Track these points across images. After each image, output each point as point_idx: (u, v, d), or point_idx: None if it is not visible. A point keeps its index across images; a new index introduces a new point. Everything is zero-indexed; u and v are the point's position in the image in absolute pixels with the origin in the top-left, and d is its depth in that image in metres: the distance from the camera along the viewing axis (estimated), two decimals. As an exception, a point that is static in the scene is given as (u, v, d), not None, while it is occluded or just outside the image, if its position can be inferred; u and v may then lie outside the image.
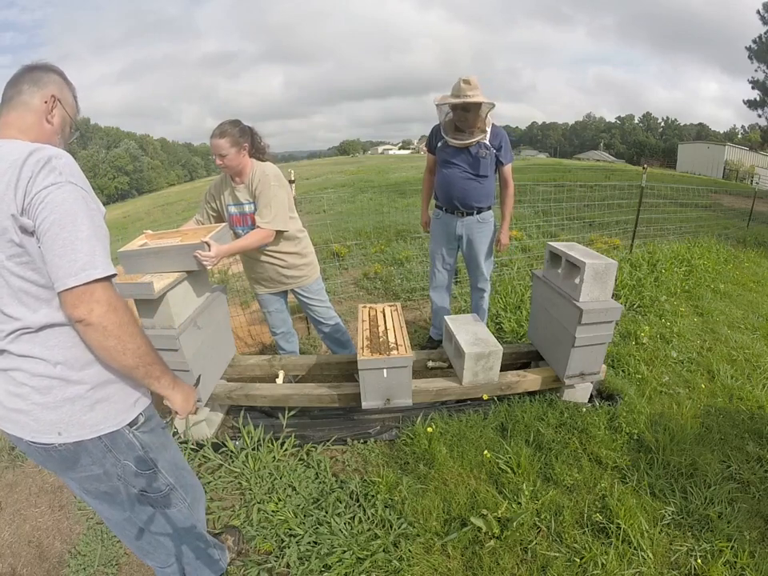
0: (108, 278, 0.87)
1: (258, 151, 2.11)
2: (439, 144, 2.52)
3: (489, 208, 2.61)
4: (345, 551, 1.53)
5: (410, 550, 1.54)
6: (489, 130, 2.41)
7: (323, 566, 1.50)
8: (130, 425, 1.03)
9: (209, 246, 1.81)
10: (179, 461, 1.23)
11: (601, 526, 1.62)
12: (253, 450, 2.03)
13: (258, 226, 2.06)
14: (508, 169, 2.56)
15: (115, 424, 1.00)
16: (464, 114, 2.31)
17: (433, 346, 3.01)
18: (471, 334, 2.26)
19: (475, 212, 2.56)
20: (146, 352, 0.94)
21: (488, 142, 2.42)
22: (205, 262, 1.81)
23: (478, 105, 2.27)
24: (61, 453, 0.96)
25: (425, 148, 2.81)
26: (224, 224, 2.05)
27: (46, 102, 0.96)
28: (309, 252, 2.39)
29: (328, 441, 2.11)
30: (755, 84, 21.06)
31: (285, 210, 2.13)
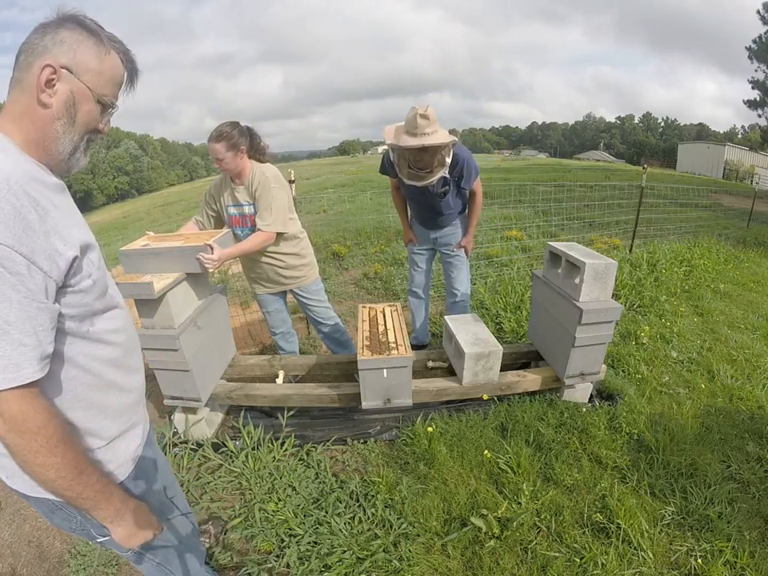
0: (24, 386, 0.64)
1: (257, 152, 2.11)
2: (399, 176, 2.24)
3: (462, 213, 2.55)
4: (345, 551, 1.53)
5: (410, 550, 1.54)
6: (449, 160, 2.10)
7: (323, 566, 1.50)
8: None
9: (212, 248, 1.82)
10: None
11: (601, 526, 1.62)
12: (253, 449, 2.03)
13: (259, 229, 2.06)
14: (475, 185, 2.37)
15: None
16: (421, 155, 2.00)
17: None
18: (471, 334, 2.26)
19: (447, 226, 2.54)
20: (68, 486, 0.71)
21: (447, 175, 2.16)
22: (207, 265, 1.82)
23: (438, 147, 1.97)
24: (13, 489, 0.86)
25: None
26: (227, 230, 2.07)
27: (39, 76, 0.69)
28: (308, 253, 2.39)
29: (328, 441, 2.11)
30: (755, 84, 21.08)
31: (285, 212, 2.13)
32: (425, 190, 2.24)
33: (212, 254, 1.82)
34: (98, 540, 0.92)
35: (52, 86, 0.70)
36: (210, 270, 1.88)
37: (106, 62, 0.75)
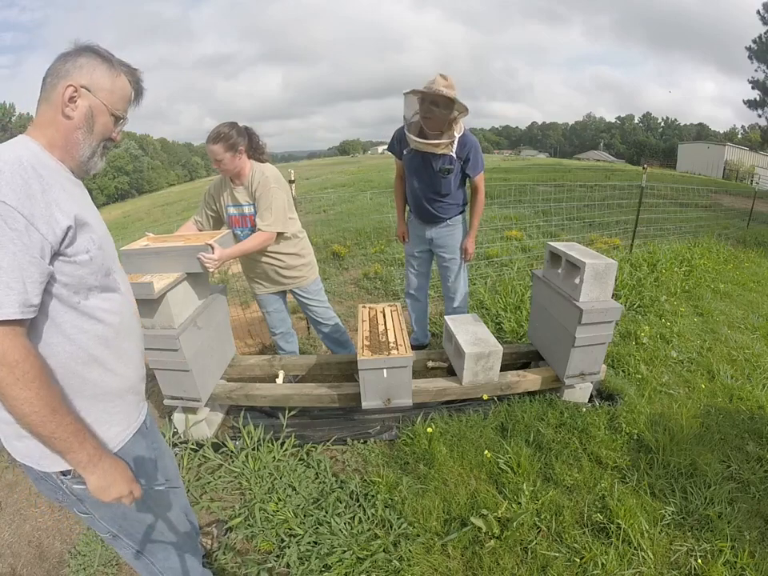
0: (6, 324, 0.71)
1: (256, 152, 2.11)
2: (405, 151, 2.33)
3: (460, 213, 2.51)
4: (345, 551, 1.53)
5: (410, 550, 1.54)
6: (457, 137, 2.15)
7: (323, 566, 1.50)
8: (63, 473, 0.90)
9: (212, 248, 1.82)
10: (131, 514, 1.04)
11: (601, 526, 1.62)
12: (253, 450, 2.03)
13: (259, 229, 2.06)
14: (478, 178, 2.38)
15: (43, 465, 0.89)
16: (431, 109, 2.03)
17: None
18: (471, 334, 2.26)
19: (444, 222, 2.49)
20: (40, 422, 0.76)
21: (454, 154, 2.20)
22: (207, 265, 1.82)
23: (450, 101, 2.00)
24: (8, 452, 0.92)
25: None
26: (228, 230, 2.07)
27: (63, 94, 0.84)
28: (307, 253, 2.39)
29: (328, 441, 2.11)
30: (755, 84, 21.10)
31: (285, 212, 2.13)
32: (428, 163, 2.25)
33: (213, 253, 1.82)
34: (74, 487, 0.92)
35: (74, 101, 0.85)
36: (211, 270, 1.89)
37: (117, 83, 0.90)
